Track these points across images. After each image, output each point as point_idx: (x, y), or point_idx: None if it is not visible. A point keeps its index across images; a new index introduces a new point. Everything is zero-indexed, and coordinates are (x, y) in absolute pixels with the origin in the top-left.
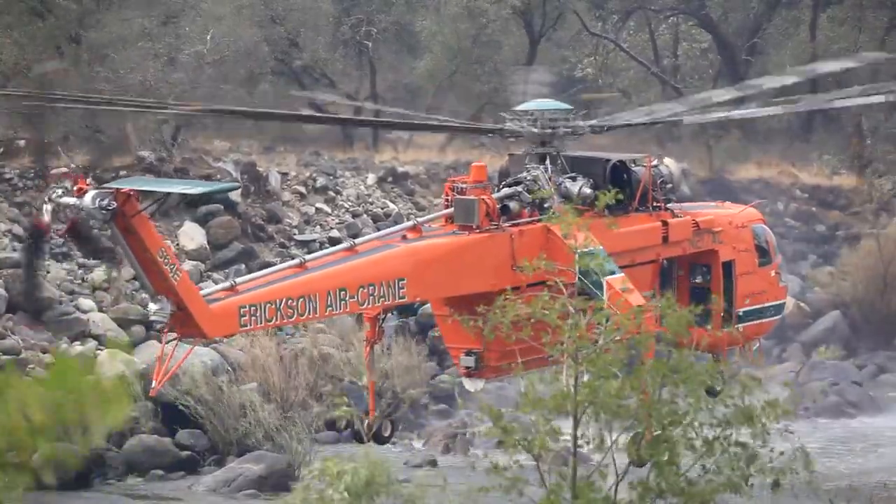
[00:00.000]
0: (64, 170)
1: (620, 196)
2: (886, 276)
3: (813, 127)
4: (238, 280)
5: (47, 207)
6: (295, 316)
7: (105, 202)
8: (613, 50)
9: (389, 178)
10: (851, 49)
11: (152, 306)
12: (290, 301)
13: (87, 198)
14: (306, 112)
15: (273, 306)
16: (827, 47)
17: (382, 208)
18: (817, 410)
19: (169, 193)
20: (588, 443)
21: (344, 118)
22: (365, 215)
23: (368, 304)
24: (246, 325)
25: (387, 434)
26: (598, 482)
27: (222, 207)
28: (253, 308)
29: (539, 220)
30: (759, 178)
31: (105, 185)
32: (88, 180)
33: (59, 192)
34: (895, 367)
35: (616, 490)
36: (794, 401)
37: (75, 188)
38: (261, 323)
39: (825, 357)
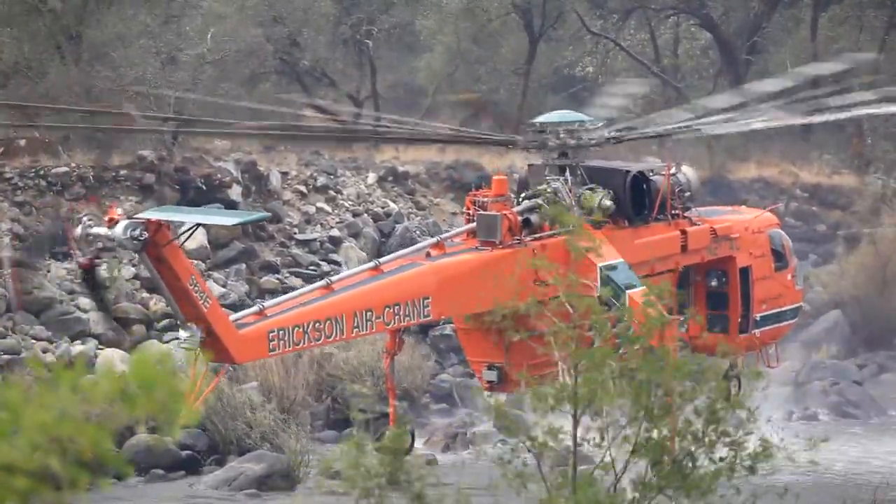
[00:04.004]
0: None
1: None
2: (885, 275)
3: (813, 126)
4: (266, 304)
5: (80, 237)
6: (322, 338)
7: (136, 232)
8: (613, 49)
9: (390, 178)
10: (852, 48)
11: (182, 333)
12: (317, 324)
13: (119, 228)
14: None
15: (301, 329)
16: (827, 46)
17: (383, 207)
18: (817, 410)
19: (200, 225)
20: (588, 442)
21: (361, 134)
22: (365, 214)
23: (394, 323)
24: (275, 350)
25: (406, 445)
26: (598, 479)
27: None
28: (281, 332)
29: (560, 234)
30: (760, 177)
31: (136, 216)
32: (119, 210)
33: (90, 222)
34: (895, 366)
35: (616, 487)
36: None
37: (106, 218)
38: (289, 347)
39: (825, 356)
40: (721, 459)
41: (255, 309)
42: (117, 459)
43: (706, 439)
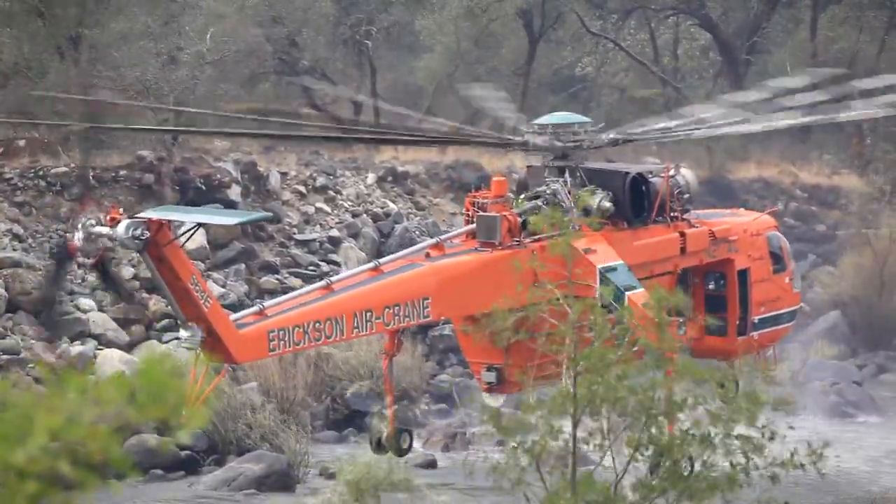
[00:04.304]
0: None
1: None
2: (882, 276)
3: (813, 126)
4: (266, 304)
5: (79, 235)
6: (322, 338)
7: (138, 231)
8: (613, 49)
9: (389, 178)
10: (852, 48)
11: (183, 333)
12: (317, 324)
13: (120, 227)
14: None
15: (301, 329)
16: (827, 46)
17: (382, 208)
18: (817, 410)
19: (201, 224)
20: (588, 443)
21: (364, 137)
22: (365, 215)
23: (394, 324)
24: (275, 350)
25: (405, 446)
26: (599, 479)
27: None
28: (281, 332)
29: (559, 235)
30: (759, 177)
31: (138, 215)
32: (121, 210)
33: (92, 221)
34: (895, 366)
35: (616, 487)
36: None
37: (108, 217)
38: (289, 347)
39: (824, 356)
40: (732, 465)
41: (255, 309)
42: (126, 463)
43: (715, 440)
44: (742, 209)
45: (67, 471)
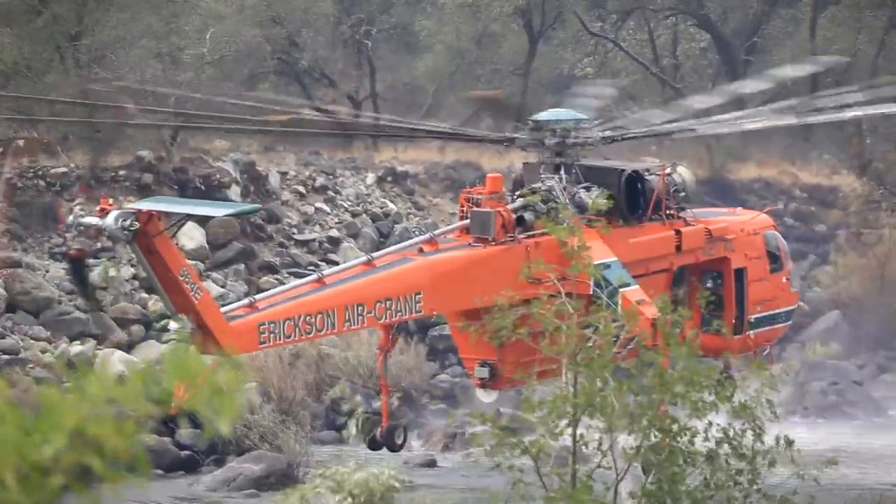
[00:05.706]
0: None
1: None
2: (883, 276)
3: (813, 126)
4: (257, 297)
5: (69, 220)
6: (313, 332)
7: (127, 222)
8: (613, 49)
9: (389, 178)
10: (851, 49)
11: (172, 324)
12: (308, 317)
13: (110, 218)
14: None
15: (292, 323)
16: (826, 47)
17: (382, 208)
18: (817, 410)
19: (190, 215)
20: (586, 445)
21: (360, 130)
22: (364, 215)
23: (386, 318)
24: (266, 343)
25: (399, 441)
26: (597, 484)
27: None
28: (272, 325)
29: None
30: (759, 177)
31: (127, 206)
32: (111, 200)
33: (81, 212)
34: (895, 366)
35: (616, 491)
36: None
37: (97, 208)
38: (280, 340)
39: (824, 356)
40: (738, 472)
41: (246, 302)
42: (144, 460)
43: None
44: (740, 209)
45: (95, 465)
